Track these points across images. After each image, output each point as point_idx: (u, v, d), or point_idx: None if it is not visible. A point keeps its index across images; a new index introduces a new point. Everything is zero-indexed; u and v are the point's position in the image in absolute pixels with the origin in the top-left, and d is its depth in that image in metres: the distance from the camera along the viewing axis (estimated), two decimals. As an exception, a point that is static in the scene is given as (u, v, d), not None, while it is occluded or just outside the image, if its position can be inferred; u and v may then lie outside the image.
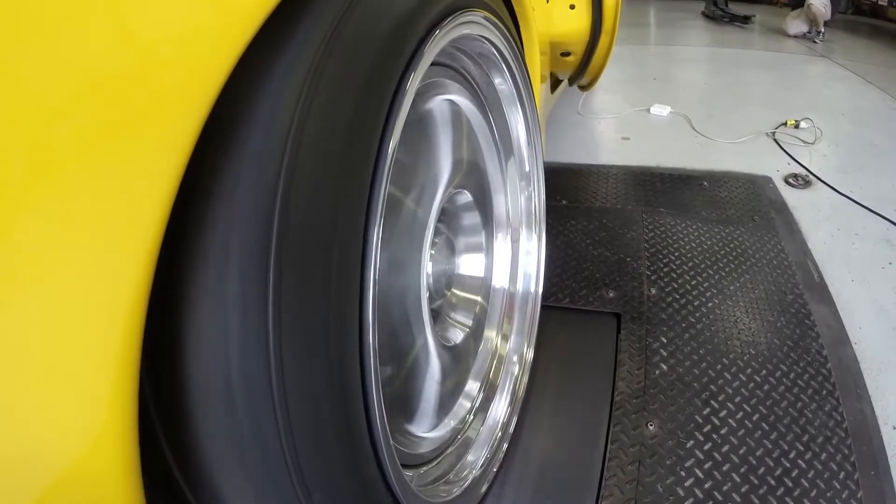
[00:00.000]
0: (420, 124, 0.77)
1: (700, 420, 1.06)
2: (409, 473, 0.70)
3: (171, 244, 0.39)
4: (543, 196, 1.15)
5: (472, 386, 0.98)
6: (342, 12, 0.48)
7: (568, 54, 1.74)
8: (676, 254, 1.53)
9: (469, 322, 0.98)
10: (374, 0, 0.51)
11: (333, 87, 0.44)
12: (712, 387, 1.13)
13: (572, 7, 1.63)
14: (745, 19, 4.79)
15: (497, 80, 0.96)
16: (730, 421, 1.06)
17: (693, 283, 1.42)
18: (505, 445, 0.95)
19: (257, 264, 0.39)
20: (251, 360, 0.39)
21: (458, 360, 0.94)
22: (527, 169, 1.11)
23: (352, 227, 0.45)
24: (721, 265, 1.49)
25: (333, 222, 0.43)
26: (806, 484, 0.95)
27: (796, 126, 2.39)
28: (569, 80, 2.01)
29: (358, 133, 0.46)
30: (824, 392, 1.11)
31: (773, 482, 0.95)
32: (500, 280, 1.08)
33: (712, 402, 1.10)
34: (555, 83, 1.96)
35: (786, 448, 1.01)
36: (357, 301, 0.45)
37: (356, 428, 0.47)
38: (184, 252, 0.39)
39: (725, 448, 1.01)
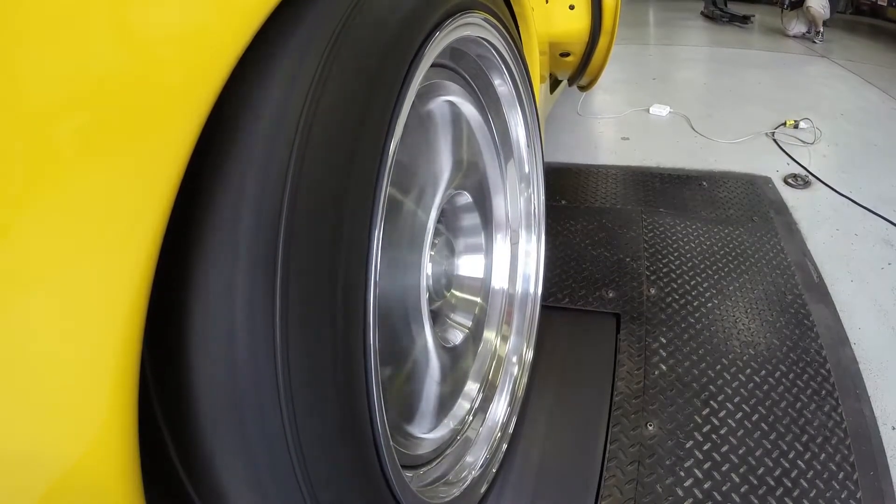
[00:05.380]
0: (420, 126, 0.77)
1: (699, 420, 1.07)
2: (408, 474, 0.70)
3: (177, 245, 0.39)
4: (543, 197, 1.15)
5: (472, 387, 0.98)
6: (346, 15, 0.48)
7: (567, 55, 1.74)
8: (676, 254, 1.53)
9: (468, 323, 0.98)
10: (377, 2, 0.51)
11: (339, 89, 0.44)
12: (711, 387, 1.13)
13: (572, 7, 1.63)
14: (745, 19, 4.80)
15: (497, 82, 0.96)
16: (729, 421, 1.06)
17: (692, 283, 1.42)
18: (504, 446, 0.95)
19: (265, 266, 0.39)
20: (257, 360, 0.39)
21: (457, 361, 0.94)
22: (526, 170, 1.11)
23: (356, 229, 0.45)
24: (720, 265, 1.49)
25: (339, 224, 0.43)
26: (805, 484, 0.95)
27: (796, 126, 2.39)
28: (568, 80, 2.02)
29: (362, 135, 0.46)
30: (823, 392, 1.11)
31: (772, 482, 0.95)
32: (499, 281, 1.08)
33: (711, 402, 1.10)
34: (554, 83, 1.96)
35: (785, 448, 1.01)
36: (361, 302, 0.45)
37: (358, 428, 0.47)
38: (191, 252, 0.39)
39: (725, 448, 1.01)
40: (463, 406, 0.95)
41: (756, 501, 0.93)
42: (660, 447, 1.02)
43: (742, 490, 0.94)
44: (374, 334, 0.47)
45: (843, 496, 0.93)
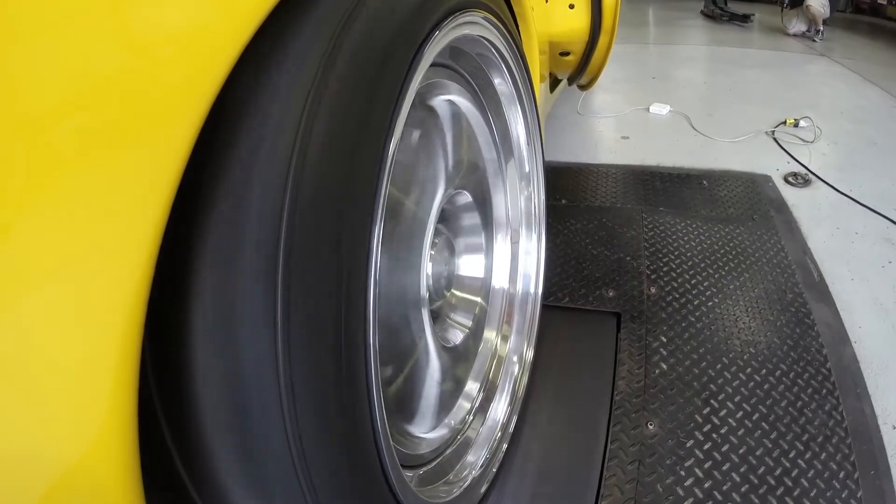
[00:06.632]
0: (420, 125, 0.77)
1: (700, 419, 1.06)
2: (408, 474, 0.70)
3: (179, 244, 0.39)
4: (543, 196, 1.15)
5: (472, 386, 0.98)
6: (346, 14, 0.48)
7: (567, 54, 1.74)
8: (676, 253, 1.53)
9: (469, 323, 0.98)
10: (377, 2, 0.51)
11: (340, 88, 0.44)
12: (712, 386, 1.13)
13: (571, 6, 1.63)
14: (745, 18, 4.80)
15: (496, 81, 0.96)
16: (729, 420, 1.06)
17: (693, 282, 1.42)
18: (505, 445, 0.95)
19: (265, 265, 0.39)
20: (258, 360, 0.39)
21: (457, 361, 0.94)
22: (526, 169, 1.11)
23: (357, 229, 0.45)
24: (721, 264, 1.49)
25: (340, 224, 0.43)
26: (805, 483, 0.95)
27: (796, 125, 2.39)
28: (568, 79, 2.01)
29: (363, 134, 0.46)
30: (824, 391, 1.11)
31: (772, 481, 0.95)
32: (499, 281, 1.08)
33: (712, 401, 1.10)
34: (554, 83, 1.96)
35: (785, 447, 1.01)
36: (361, 302, 0.45)
37: (358, 428, 0.47)
38: (192, 251, 0.39)
39: (725, 447, 1.01)
40: (463, 406, 0.95)
41: (757, 501, 0.93)
42: (660, 446, 1.02)
43: (743, 489, 0.94)
44: (374, 334, 0.47)
45: (843, 495, 0.92)
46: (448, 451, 0.86)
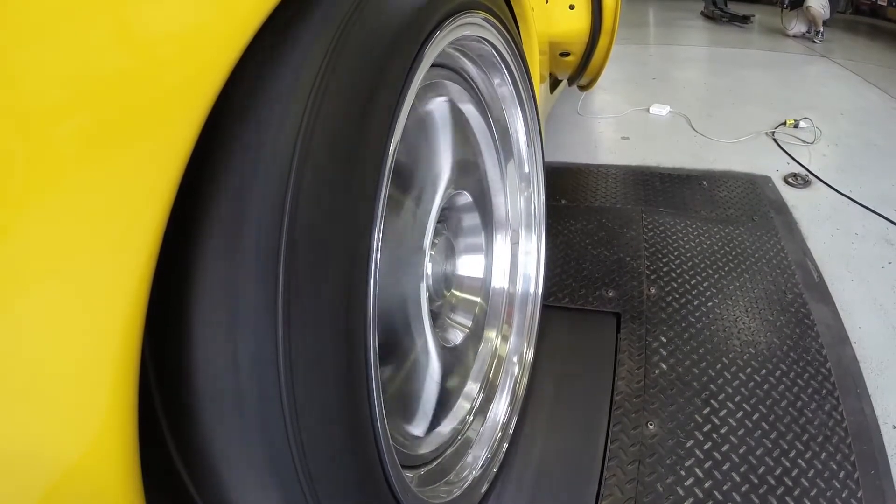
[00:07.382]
0: (420, 125, 0.77)
1: (700, 419, 1.06)
2: (408, 474, 0.70)
3: (180, 243, 0.39)
4: (543, 197, 1.15)
5: (472, 387, 0.98)
6: (347, 16, 0.48)
7: (567, 54, 1.74)
8: (676, 253, 1.53)
9: (469, 323, 0.98)
10: (377, 3, 0.51)
11: (341, 89, 0.45)
12: (712, 386, 1.13)
13: (572, 7, 1.63)
14: (745, 19, 4.80)
15: (497, 81, 0.96)
16: (729, 420, 1.06)
17: (692, 282, 1.42)
18: (505, 445, 0.95)
19: (266, 265, 0.39)
20: (258, 360, 0.39)
21: (457, 361, 0.94)
22: (526, 170, 1.11)
23: (357, 229, 0.45)
24: (720, 265, 1.49)
25: (340, 224, 0.43)
26: (806, 483, 0.95)
27: (796, 126, 2.39)
28: (568, 80, 2.01)
29: (363, 135, 0.46)
30: (824, 391, 1.11)
31: (772, 481, 0.95)
32: (499, 281, 1.08)
33: (712, 401, 1.10)
34: (554, 83, 1.96)
35: (785, 447, 1.01)
36: (361, 302, 0.45)
37: (358, 428, 0.47)
38: (192, 251, 0.39)
39: (725, 447, 1.01)
40: (463, 406, 0.95)
41: (757, 500, 0.93)
42: (660, 446, 1.02)
43: (743, 489, 0.94)
44: (374, 334, 0.47)
45: (843, 495, 0.93)
46: (448, 451, 0.86)
